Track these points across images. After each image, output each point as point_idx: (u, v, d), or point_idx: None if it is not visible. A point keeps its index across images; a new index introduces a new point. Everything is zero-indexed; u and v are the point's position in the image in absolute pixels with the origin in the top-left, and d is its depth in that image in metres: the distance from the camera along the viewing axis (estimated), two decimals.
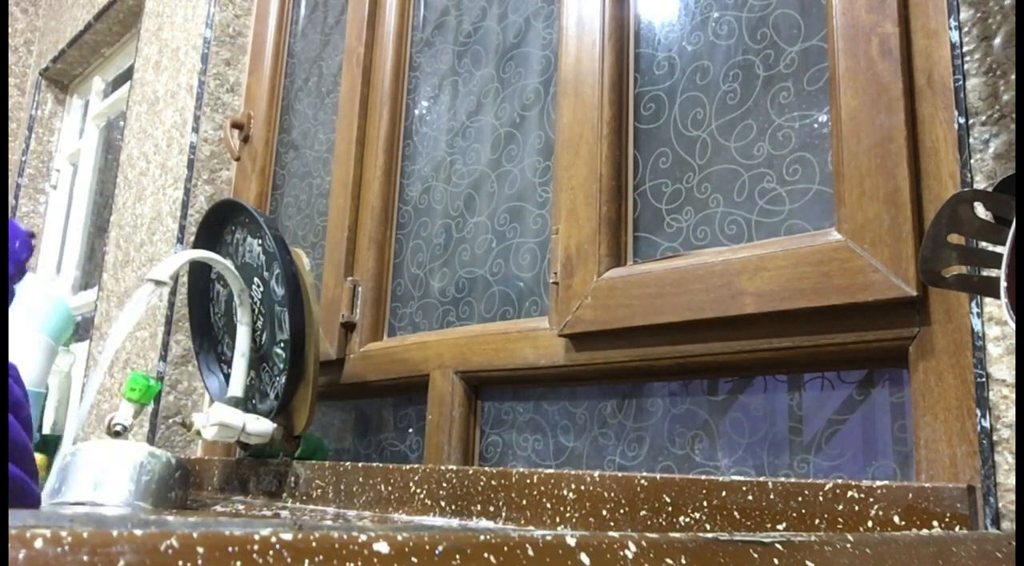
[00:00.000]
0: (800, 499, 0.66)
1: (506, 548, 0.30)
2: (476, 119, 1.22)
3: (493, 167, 1.16)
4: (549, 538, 0.31)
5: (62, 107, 2.79)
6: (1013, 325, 0.49)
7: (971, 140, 0.65)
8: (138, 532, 0.24)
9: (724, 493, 0.70)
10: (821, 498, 0.65)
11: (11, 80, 2.80)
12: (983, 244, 0.56)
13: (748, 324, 0.79)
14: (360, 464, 1.01)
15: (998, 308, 0.61)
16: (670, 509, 0.73)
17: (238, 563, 0.25)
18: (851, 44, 0.76)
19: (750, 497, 0.69)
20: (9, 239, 0.89)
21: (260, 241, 1.15)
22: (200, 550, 0.24)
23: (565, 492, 0.82)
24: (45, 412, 1.83)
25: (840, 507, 0.64)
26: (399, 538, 0.28)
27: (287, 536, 0.26)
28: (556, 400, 1.01)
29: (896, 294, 0.69)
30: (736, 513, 0.69)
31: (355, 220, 1.34)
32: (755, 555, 0.37)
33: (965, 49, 0.67)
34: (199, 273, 1.30)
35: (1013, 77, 0.63)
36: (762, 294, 0.77)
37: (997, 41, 0.65)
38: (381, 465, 0.99)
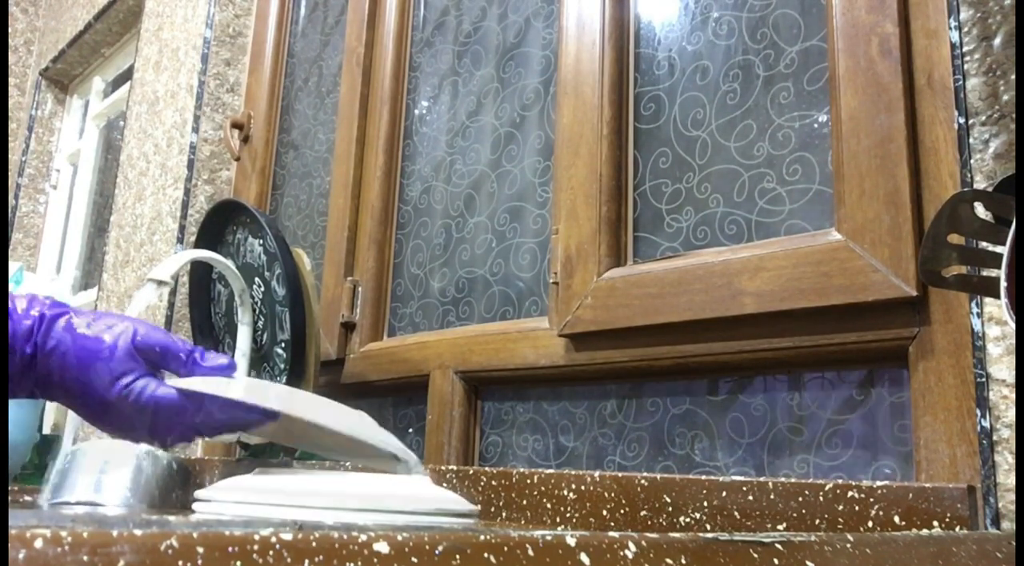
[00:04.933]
0: (800, 499, 0.66)
1: (506, 548, 0.30)
2: (476, 119, 1.22)
3: (493, 167, 1.16)
4: (549, 538, 0.31)
5: (62, 107, 2.79)
6: (1013, 325, 0.49)
7: (971, 140, 0.65)
8: (138, 532, 0.24)
9: (724, 493, 0.70)
10: (821, 498, 0.65)
11: (11, 80, 2.80)
12: (983, 244, 0.56)
13: (748, 324, 0.79)
14: (360, 464, 1.01)
15: (998, 308, 0.61)
16: (670, 509, 0.73)
17: (238, 563, 0.25)
18: (851, 44, 0.76)
19: (750, 497, 0.69)
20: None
21: (261, 241, 1.15)
22: (200, 550, 0.24)
23: (565, 492, 0.82)
24: (45, 412, 1.83)
25: (840, 507, 0.64)
26: (399, 538, 0.28)
27: (287, 536, 0.26)
28: (556, 400, 1.01)
29: (896, 294, 0.69)
30: (736, 513, 0.69)
31: (355, 220, 1.34)
32: (755, 555, 0.37)
33: (965, 49, 0.67)
34: (200, 273, 1.30)
35: (1013, 77, 0.63)
36: (762, 294, 0.77)
37: (997, 41, 0.65)
38: None
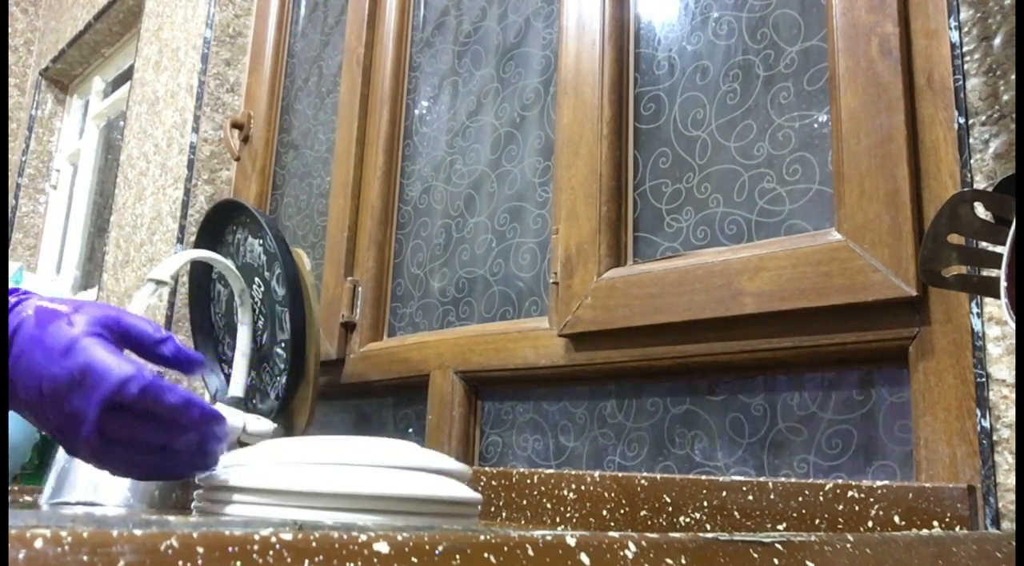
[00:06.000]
0: (800, 499, 0.66)
1: (506, 548, 0.30)
2: (476, 119, 1.22)
3: (493, 167, 1.16)
4: (549, 538, 0.31)
5: (62, 107, 2.79)
6: (1013, 325, 0.49)
7: (971, 140, 0.65)
8: (138, 532, 0.24)
9: (724, 493, 0.70)
10: (821, 498, 0.65)
11: (11, 80, 2.80)
12: (983, 244, 0.56)
13: (748, 324, 0.79)
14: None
15: (998, 308, 0.61)
16: (670, 509, 0.74)
17: (238, 563, 0.25)
18: (851, 44, 0.76)
19: (750, 497, 0.69)
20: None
21: (261, 241, 1.15)
22: (200, 550, 0.24)
23: (565, 492, 0.82)
24: None
25: (840, 507, 0.64)
26: (399, 538, 0.28)
27: (287, 536, 0.26)
28: (556, 400, 1.01)
29: (896, 294, 0.69)
30: (736, 513, 0.69)
31: (355, 220, 1.34)
32: (755, 555, 0.37)
33: (965, 49, 0.67)
34: (200, 273, 1.30)
35: (1013, 77, 0.63)
36: (762, 294, 0.77)
37: (997, 41, 0.65)
38: None
